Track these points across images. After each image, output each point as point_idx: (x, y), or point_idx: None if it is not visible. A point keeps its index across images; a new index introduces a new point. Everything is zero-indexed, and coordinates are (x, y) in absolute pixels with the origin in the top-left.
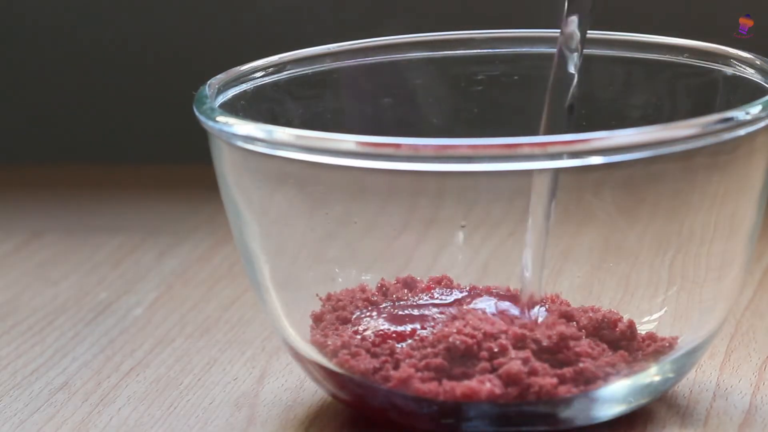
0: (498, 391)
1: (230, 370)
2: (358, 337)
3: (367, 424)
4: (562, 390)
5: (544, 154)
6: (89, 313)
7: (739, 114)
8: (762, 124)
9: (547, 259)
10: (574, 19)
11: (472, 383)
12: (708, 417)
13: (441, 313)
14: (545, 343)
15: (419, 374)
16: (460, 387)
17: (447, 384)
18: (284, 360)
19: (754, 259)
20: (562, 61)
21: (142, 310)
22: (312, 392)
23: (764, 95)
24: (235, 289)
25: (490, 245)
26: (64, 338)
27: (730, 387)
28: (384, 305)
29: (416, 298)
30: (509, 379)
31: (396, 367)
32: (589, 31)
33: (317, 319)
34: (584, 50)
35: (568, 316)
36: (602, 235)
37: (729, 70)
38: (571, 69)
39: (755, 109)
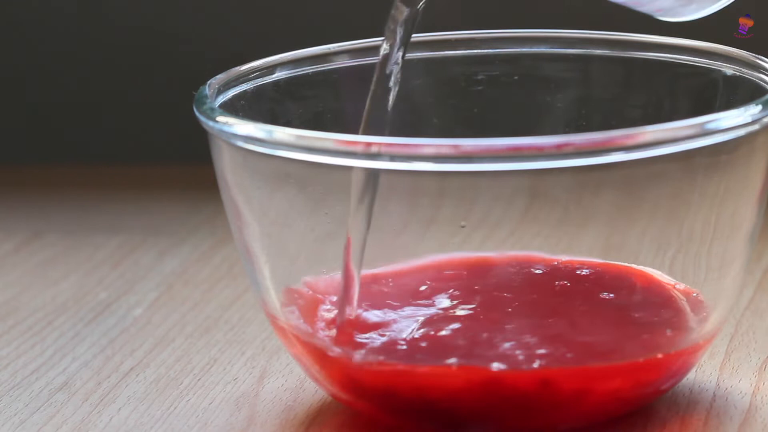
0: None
1: (230, 370)
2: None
3: (367, 424)
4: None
5: (543, 155)
6: (89, 313)
7: (739, 114)
8: (762, 124)
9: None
10: (399, 15)
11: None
12: (708, 417)
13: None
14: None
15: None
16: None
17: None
18: (284, 360)
19: (754, 259)
20: (384, 61)
21: (142, 310)
22: (312, 392)
23: (764, 95)
24: (235, 289)
25: (490, 245)
26: (64, 338)
27: (730, 387)
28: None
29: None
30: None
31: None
32: (589, 32)
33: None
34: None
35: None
36: (602, 235)
37: (729, 70)
38: (392, 69)
39: (755, 109)
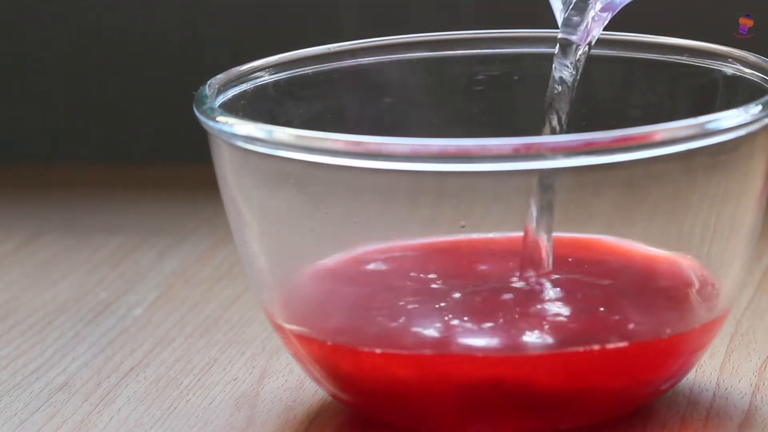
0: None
1: (230, 370)
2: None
3: (367, 424)
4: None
5: (543, 155)
6: (89, 313)
7: (739, 114)
8: (762, 124)
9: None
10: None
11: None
12: (708, 417)
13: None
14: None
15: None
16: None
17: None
18: (284, 360)
19: (755, 259)
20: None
21: (142, 310)
22: (312, 392)
23: (764, 95)
24: (235, 289)
25: None
26: (64, 338)
27: (730, 387)
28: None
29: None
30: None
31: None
32: None
33: None
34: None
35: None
36: (602, 235)
37: (729, 70)
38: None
39: (755, 109)
